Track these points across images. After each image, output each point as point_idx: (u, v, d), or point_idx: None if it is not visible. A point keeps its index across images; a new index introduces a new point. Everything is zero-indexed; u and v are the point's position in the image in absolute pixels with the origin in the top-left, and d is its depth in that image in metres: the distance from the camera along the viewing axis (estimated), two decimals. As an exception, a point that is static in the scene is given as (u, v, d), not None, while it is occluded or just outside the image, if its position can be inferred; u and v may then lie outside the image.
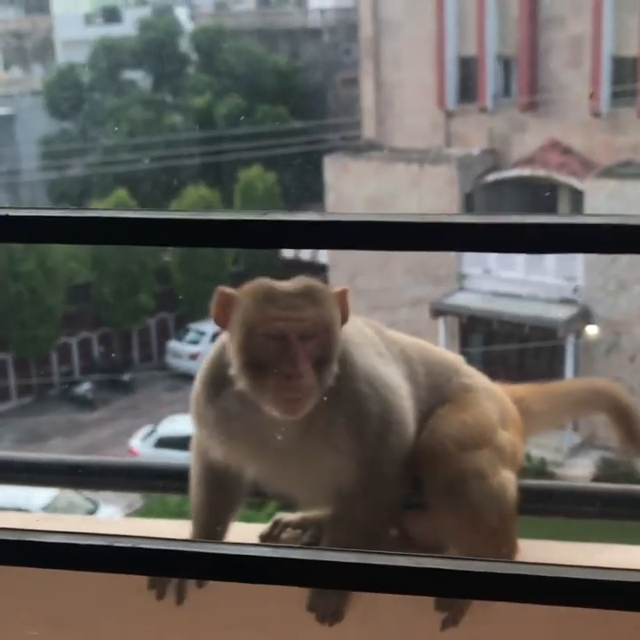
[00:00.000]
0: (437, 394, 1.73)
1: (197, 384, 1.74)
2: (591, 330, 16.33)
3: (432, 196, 17.54)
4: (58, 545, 0.88)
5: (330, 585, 1.00)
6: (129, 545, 0.89)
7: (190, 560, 0.89)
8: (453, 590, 0.94)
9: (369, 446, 1.64)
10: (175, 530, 1.72)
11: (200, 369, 1.75)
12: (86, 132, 24.31)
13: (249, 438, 1.67)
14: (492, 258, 17.57)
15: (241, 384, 1.61)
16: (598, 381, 1.96)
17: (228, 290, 1.61)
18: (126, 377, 20.50)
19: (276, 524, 1.86)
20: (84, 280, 21.38)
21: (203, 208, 21.26)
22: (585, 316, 16.36)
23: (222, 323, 1.62)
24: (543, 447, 14.39)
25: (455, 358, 1.82)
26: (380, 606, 1.61)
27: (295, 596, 1.60)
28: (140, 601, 1.67)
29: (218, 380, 1.68)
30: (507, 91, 18.29)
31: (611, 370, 15.05)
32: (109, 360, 21.37)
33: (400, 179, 17.69)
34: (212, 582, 1.65)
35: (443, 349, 1.89)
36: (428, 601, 1.60)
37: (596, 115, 17.11)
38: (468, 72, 18.31)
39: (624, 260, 15.94)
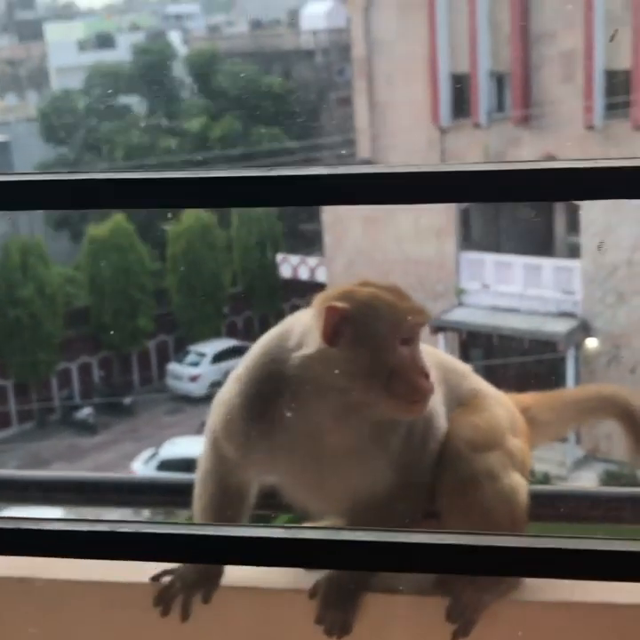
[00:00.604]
0: (450, 400, 1.73)
1: (236, 400, 1.64)
2: (591, 342, 16.31)
3: (429, 213, 17.57)
4: (58, 532, 0.87)
5: (348, 566, 0.97)
6: (132, 530, 0.88)
7: (198, 544, 0.87)
8: (477, 566, 0.91)
9: (413, 451, 1.64)
10: None
11: (238, 384, 1.65)
12: (82, 157, 24.37)
13: (300, 449, 1.62)
14: (490, 272, 17.58)
15: (359, 394, 1.55)
16: (606, 387, 1.95)
17: (340, 304, 1.56)
18: (127, 400, 20.46)
19: None
20: (83, 304, 21.39)
21: (200, 230, 21.33)
22: (584, 329, 16.34)
23: (333, 340, 1.55)
24: (546, 461, 14.36)
25: (464, 367, 1.83)
26: (390, 618, 1.60)
27: (303, 609, 1.59)
28: (145, 616, 1.65)
29: (269, 393, 1.61)
30: (500, 106, 18.36)
31: (611, 382, 15.02)
32: (110, 384, 21.34)
33: (396, 196, 17.70)
34: (217, 598, 1.64)
35: (452, 357, 1.89)
36: (439, 611, 1.59)
37: (590, 128, 17.16)
38: (462, 89, 18.38)
39: (622, 272, 15.94)
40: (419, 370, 1.56)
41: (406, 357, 1.56)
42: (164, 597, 1.66)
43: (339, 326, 1.53)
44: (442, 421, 1.67)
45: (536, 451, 1.82)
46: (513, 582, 1.60)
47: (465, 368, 1.81)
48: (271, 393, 1.60)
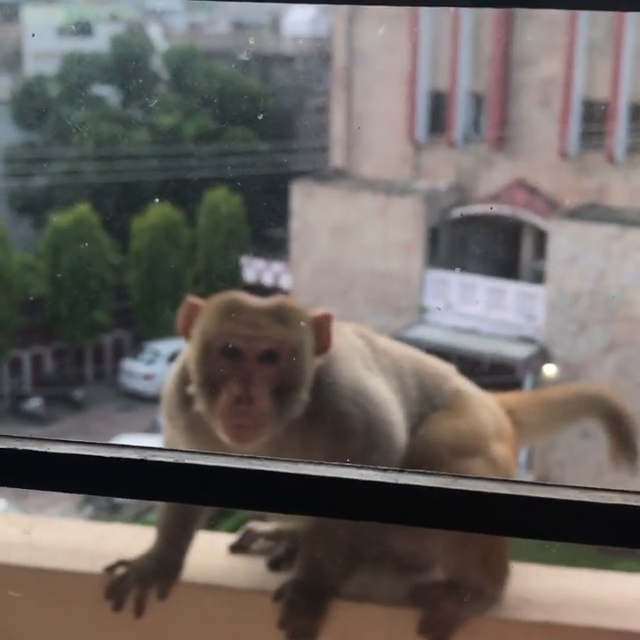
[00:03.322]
0: (429, 405, 1.64)
1: (170, 384, 1.62)
2: (549, 369, 16.40)
3: (397, 228, 17.56)
4: (77, 459, 0.73)
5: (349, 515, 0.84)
6: (171, 459, 0.74)
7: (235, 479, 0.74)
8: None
9: (354, 458, 1.53)
10: (135, 535, 1.61)
11: (173, 369, 1.64)
12: (51, 144, 24.12)
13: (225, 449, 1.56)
14: (454, 292, 17.60)
15: (197, 403, 1.47)
16: (591, 386, 1.93)
17: (196, 300, 1.50)
18: (78, 394, 20.24)
19: (248, 533, 1.74)
20: (41, 292, 21.12)
21: (166, 227, 21.14)
22: (544, 356, 16.43)
23: (187, 334, 1.50)
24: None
25: (447, 368, 1.75)
26: (358, 627, 1.50)
27: (266, 611, 1.48)
28: (97, 609, 1.53)
29: (183, 393, 1.57)
30: (477, 127, 18.41)
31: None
32: (62, 376, 21.09)
33: (366, 209, 17.69)
34: (177, 594, 1.52)
35: (435, 359, 1.80)
36: (410, 622, 1.50)
37: (564, 156, 17.25)
38: (439, 106, 18.41)
39: (586, 301, 16.02)
40: (237, 391, 1.44)
41: (228, 373, 1.46)
42: (116, 590, 1.53)
43: (189, 320, 1.50)
44: (392, 429, 1.55)
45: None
46: (491, 598, 1.53)
47: (447, 370, 1.73)
48: (186, 406, 1.56)
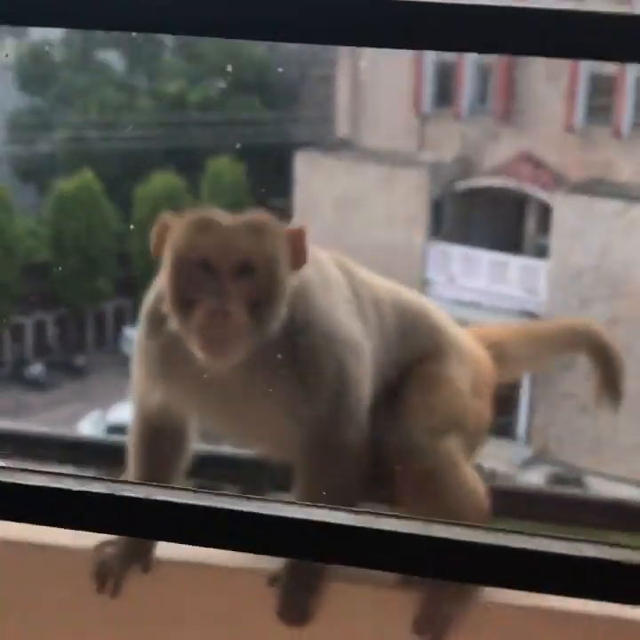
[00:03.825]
0: (406, 348, 1.61)
1: (141, 317, 1.61)
2: (550, 344, 16.39)
3: (401, 200, 17.50)
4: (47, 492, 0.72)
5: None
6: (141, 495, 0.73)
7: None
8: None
9: (323, 405, 1.51)
10: None
11: (144, 301, 1.61)
12: (56, 110, 24.00)
13: (189, 382, 1.52)
14: (457, 265, 17.57)
15: (171, 321, 1.46)
16: (579, 321, 1.90)
17: (169, 217, 1.47)
18: (80, 361, 20.29)
19: None
20: (43, 259, 21.11)
21: (168, 195, 21.07)
22: (545, 331, 16.42)
23: (160, 253, 1.48)
24: (494, 458, 14.39)
25: (427, 304, 1.72)
26: (351, 608, 1.52)
27: (257, 590, 1.50)
28: (88, 585, 1.55)
29: (159, 313, 1.53)
30: (483, 99, 18.30)
31: (566, 386, 15.09)
32: (63, 343, 21.13)
33: (370, 180, 17.63)
34: (164, 572, 1.52)
35: (415, 294, 1.77)
36: (402, 603, 1.51)
37: (570, 130, 17.16)
38: (446, 78, 18.30)
39: (589, 277, 15.99)
40: (212, 304, 1.41)
41: (202, 288, 1.43)
42: (99, 572, 1.55)
43: (162, 237, 1.48)
44: (362, 376, 1.53)
45: (486, 445, 1.73)
46: (476, 590, 1.52)
47: (428, 307, 1.70)
48: (163, 314, 1.53)
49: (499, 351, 1.71)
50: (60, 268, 20.85)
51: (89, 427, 15.81)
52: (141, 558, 1.58)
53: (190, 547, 1.52)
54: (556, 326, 1.94)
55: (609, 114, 16.87)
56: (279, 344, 1.45)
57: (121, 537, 1.56)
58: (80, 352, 20.82)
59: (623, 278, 15.57)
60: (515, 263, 17.31)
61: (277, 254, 1.43)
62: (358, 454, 1.51)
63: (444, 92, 18.34)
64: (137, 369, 1.60)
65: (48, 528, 1.55)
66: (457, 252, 17.67)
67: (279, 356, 1.45)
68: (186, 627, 1.58)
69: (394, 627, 1.55)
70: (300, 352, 1.48)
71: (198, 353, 1.42)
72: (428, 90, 18.43)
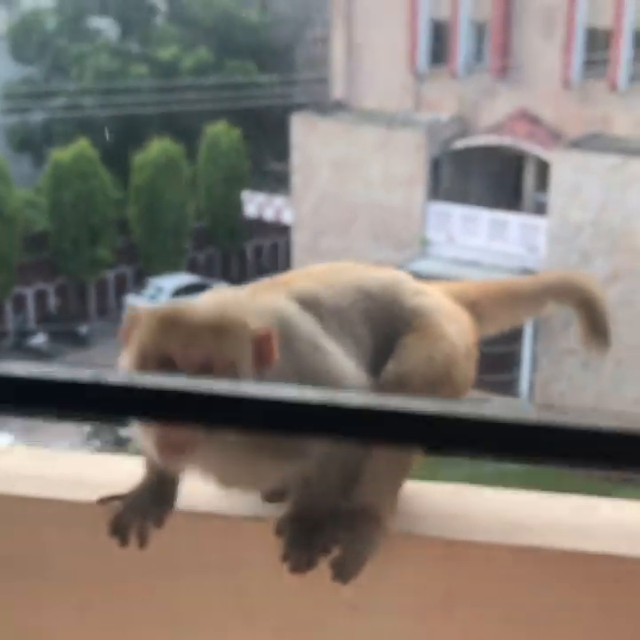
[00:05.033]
0: (385, 341, 1.59)
1: None
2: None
3: (399, 161, 17.44)
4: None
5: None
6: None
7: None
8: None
9: (312, 458, 1.53)
10: (140, 466, 1.63)
11: None
12: (50, 78, 23.84)
13: None
14: (456, 224, 17.54)
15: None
16: (563, 273, 1.83)
17: (138, 309, 1.47)
18: (82, 330, 20.32)
19: None
20: (42, 229, 21.08)
21: (166, 161, 21.00)
22: (545, 288, 16.42)
23: (126, 340, 1.48)
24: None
25: (396, 280, 1.64)
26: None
27: (259, 536, 1.53)
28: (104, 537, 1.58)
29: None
30: (478, 57, 18.17)
31: (568, 342, 15.13)
32: (65, 312, 21.14)
33: (367, 141, 17.55)
34: (175, 522, 1.56)
35: (380, 273, 1.69)
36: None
37: (567, 85, 17.06)
38: (441, 36, 18.16)
39: (588, 232, 15.98)
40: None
41: None
42: (118, 527, 1.58)
43: (131, 328, 1.43)
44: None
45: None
46: (385, 525, 1.52)
47: (398, 283, 1.59)
48: None
49: (474, 312, 1.67)
50: (58, 239, 20.80)
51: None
52: (159, 508, 1.61)
53: (194, 497, 1.57)
54: (538, 284, 1.89)
55: (605, 68, 16.76)
56: None
57: (130, 491, 1.59)
58: (82, 321, 20.84)
59: (623, 232, 15.56)
60: (514, 221, 17.28)
61: (241, 354, 1.44)
62: (352, 465, 1.53)
63: (440, 51, 18.20)
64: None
65: (63, 484, 1.59)
66: (456, 211, 17.64)
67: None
68: (191, 578, 1.62)
69: (397, 568, 1.57)
70: None
71: (154, 453, 1.43)
72: (423, 48, 18.29)
